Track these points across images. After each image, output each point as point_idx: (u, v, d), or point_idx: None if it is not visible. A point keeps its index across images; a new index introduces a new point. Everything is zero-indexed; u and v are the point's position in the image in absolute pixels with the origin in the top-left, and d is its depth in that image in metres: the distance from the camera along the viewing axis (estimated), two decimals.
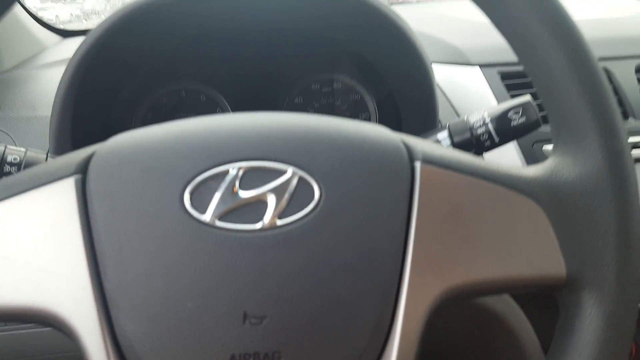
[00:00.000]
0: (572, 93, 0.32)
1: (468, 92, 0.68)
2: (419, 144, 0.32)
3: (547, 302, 0.52)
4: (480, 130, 0.44)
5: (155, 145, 0.30)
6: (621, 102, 0.69)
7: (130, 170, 0.29)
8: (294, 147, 0.30)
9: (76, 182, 0.29)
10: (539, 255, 0.31)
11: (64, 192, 0.29)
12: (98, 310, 0.27)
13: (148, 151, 0.30)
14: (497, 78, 0.67)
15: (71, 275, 0.28)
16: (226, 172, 0.29)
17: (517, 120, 0.44)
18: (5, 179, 0.30)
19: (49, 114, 0.56)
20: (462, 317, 0.58)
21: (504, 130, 0.44)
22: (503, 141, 0.44)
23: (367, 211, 0.29)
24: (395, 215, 0.29)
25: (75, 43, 0.88)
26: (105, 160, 0.30)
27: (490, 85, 0.66)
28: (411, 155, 0.31)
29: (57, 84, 0.55)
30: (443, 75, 0.70)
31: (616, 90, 0.70)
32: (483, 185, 0.31)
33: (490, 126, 0.44)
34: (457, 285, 0.30)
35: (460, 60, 0.71)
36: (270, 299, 0.28)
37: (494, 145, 0.44)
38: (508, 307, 0.57)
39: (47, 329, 0.48)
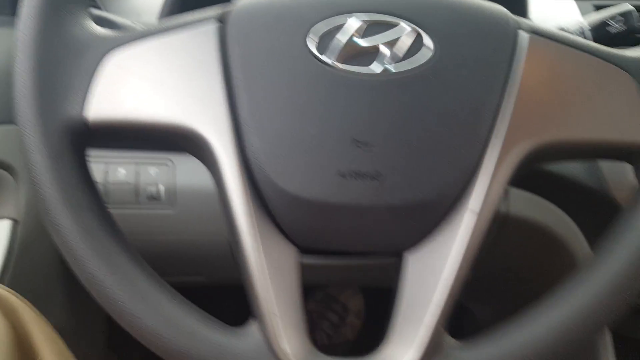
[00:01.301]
0: None
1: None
2: (526, 20, 0.35)
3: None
4: None
5: None
6: None
7: (264, 17, 0.33)
8: (414, 4, 0.32)
9: (217, 27, 0.33)
10: (627, 123, 0.33)
11: (208, 33, 0.33)
12: (231, 129, 0.32)
13: (279, 3, 0.33)
14: (592, 11, 0.65)
15: (211, 101, 0.32)
16: (349, 20, 0.32)
17: (616, 28, 0.43)
18: (155, 23, 0.35)
19: (152, 20, 0.58)
20: (524, 241, 0.58)
21: (602, 38, 0.43)
22: None
23: (473, 68, 0.32)
24: (496, 74, 0.32)
25: None
26: (241, 10, 0.34)
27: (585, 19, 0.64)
28: (519, 24, 0.34)
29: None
30: (535, 9, 0.68)
31: None
32: (583, 57, 0.33)
33: (588, 34, 0.43)
34: (548, 141, 0.33)
35: None
36: (379, 130, 0.31)
37: None
38: (569, 231, 0.57)
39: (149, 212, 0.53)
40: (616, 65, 0.34)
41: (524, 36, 0.33)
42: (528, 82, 0.32)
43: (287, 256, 0.33)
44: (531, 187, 0.56)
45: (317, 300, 1.13)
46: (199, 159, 0.35)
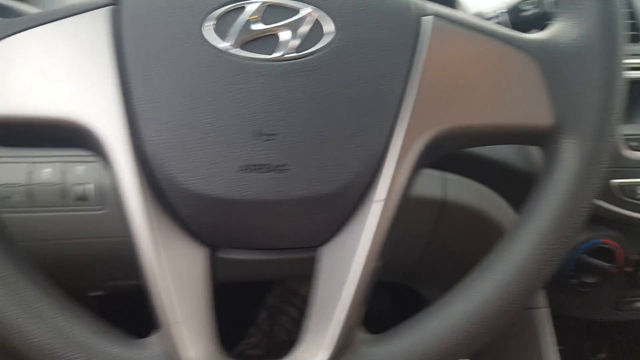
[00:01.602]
0: None
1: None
2: (431, 3, 0.34)
3: None
4: (494, 22, 0.44)
5: None
6: (635, 27, 0.68)
7: (159, 1, 0.31)
8: None
9: (110, 9, 0.31)
10: (529, 106, 0.33)
11: (100, 16, 0.31)
12: (125, 121, 0.30)
13: None
14: None
15: (102, 91, 0.30)
16: (247, 5, 0.31)
17: (530, 10, 0.44)
18: (46, 10, 0.32)
19: None
20: (462, 224, 0.59)
21: (518, 22, 0.44)
22: None
23: (375, 53, 0.31)
24: (399, 60, 0.32)
25: None
26: None
27: None
28: (423, 9, 0.33)
29: None
30: None
31: (633, 16, 0.68)
32: (485, 41, 0.33)
33: (505, 18, 0.44)
34: (452, 128, 0.32)
35: None
36: (282, 119, 0.30)
37: None
38: (502, 213, 0.59)
39: (78, 213, 0.51)
40: (518, 47, 0.34)
41: (427, 21, 0.33)
42: (431, 68, 0.32)
43: (194, 257, 0.32)
44: (466, 173, 0.57)
45: (276, 295, 1.12)
46: (94, 154, 0.33)
